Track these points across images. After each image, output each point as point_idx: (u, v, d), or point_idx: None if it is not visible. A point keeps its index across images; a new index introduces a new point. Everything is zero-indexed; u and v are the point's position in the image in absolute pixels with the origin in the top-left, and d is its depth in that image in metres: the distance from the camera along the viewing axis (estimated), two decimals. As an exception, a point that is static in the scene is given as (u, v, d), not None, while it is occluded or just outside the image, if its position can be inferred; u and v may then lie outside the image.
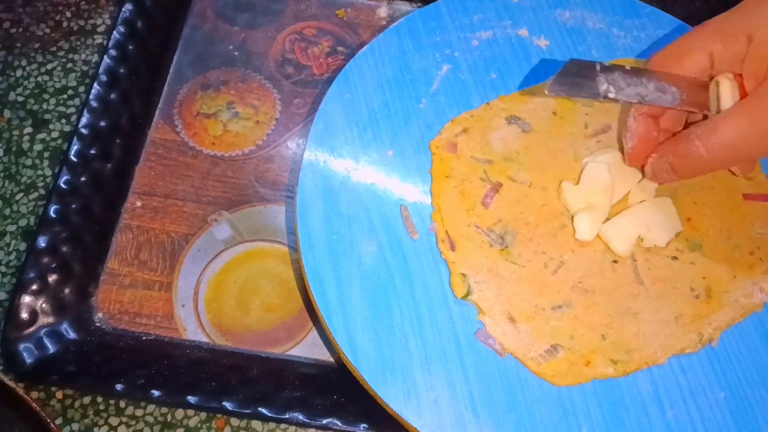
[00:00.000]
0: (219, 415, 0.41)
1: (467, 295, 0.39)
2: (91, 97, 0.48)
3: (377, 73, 0.45)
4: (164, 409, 0.41)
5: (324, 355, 0.43)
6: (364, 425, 0.39)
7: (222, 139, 0.49)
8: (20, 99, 0.50)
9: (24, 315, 0.42)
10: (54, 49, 0.52)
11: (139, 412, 0.41)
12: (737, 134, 0.34)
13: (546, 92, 0.36)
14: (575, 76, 0.36)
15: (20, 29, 0.53)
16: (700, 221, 0.41)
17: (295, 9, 0.54)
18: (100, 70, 0.49)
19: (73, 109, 0.50)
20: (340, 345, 0.37)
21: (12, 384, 0.37)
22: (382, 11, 0.54)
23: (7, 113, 0.50)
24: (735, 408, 0.37)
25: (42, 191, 0.47)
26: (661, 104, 0.37)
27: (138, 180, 0.48)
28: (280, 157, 0.49)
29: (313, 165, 0.42)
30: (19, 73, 0.51)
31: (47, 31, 0.53)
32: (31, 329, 0.41)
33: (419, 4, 0.54)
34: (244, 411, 0.39)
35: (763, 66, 0.34)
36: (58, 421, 0.41)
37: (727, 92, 0.36)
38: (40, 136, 0.49)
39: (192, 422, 0.41)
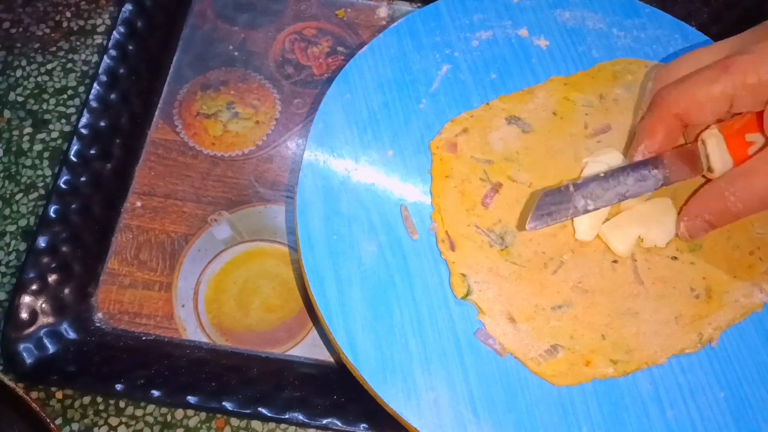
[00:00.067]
0: (219, 415, 0.41)
1: (467, 295, 0.39)
2: (91, 97, 0.48)
3: (377, 73, 0.45)
4: (164, 409, 0.41)
5: (324, 355, 0.43)
6: (364, 425, 0.39)
7: (222, 140, 0.49)
8: (20, 99, 0.50)
9: (24, 315, 0.42)
10: (54, 49, 0.52)
11: (139, 412, 0.41)
12: None
13: (527, 230, 0.37)
14: (551, 206, 0.37)
15: (20, 29, 0.53)
16: (700, 221, 0.41)
17: (295, 9, 0.54)
18: (100, 70, 0.49)
19: (73, 109, 0.50)
20: (340, 345, 0.37)
21: (12, 384, 0.37)
22: (382, 11, 0.54)
23: (7, 113, 0.50)
24: (735, 408, 0.37)
25: (42, 191, 0.47)
26: (645, 192, 0.38)
27: (138, 180, 0.48)
28: (280, 157, 0.49)
29: (313, 165, 0.42)
30: (19, 73, 0.51)
31: (47, 31, 0.53)
32: (31, 329, 0.41)
33: (419, 4, 0.54)
34: (244, 411, 0.39)
35: None
36: (58, 421, 0.41)
37: (714, 149, 0.38)
38: (40, 136, 0.49)
39: (192, 422, 0.41)
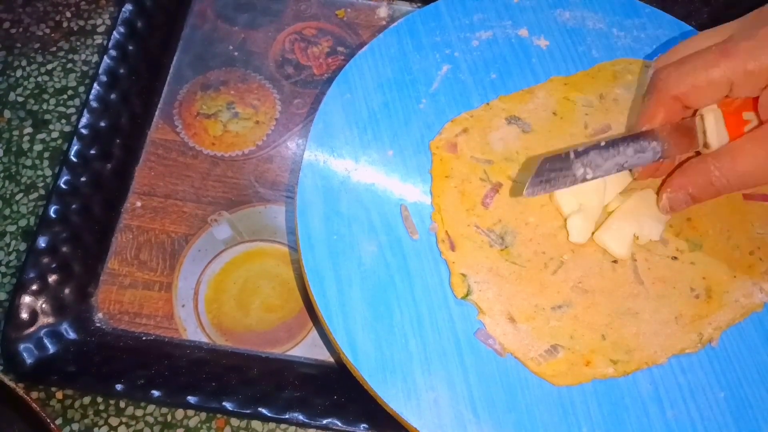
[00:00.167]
0: (219, 415, 0.41)
1: (467, 295, 0.39)
2: (91, 97, 0.48)
3: (377, 73, 0.45)
4: (164, 410, 0.41)
5: (324, 355, 0.43)
6: (364, 425, 0.39)
7: (222, 140, 0.49)
8: (20, 99, 0.50)
9: (24, 315, 0.42)
10: (54, 49, 0.52)
11: (139, 413, 0.41)
12: (757, 162, 0.36)
13: (525, 195, 0.36)
14: (550, 172, 0.37)
15: (20, 29, 0.53)
16: (700, 221, 0.41)
17: (295, 9, 0.54)
18: (100, 70, 0.49)
19: (73, 110, 0.50)
20: (340, 345, 0.37)
21: (12, 384, 0.37)
22: (382, 11, 0.54)
23: (7, 113, 0.50)
24: (735, 408, 0.37)
25: (42, 191, 0.47)
26: (642, 164, 0.38)
27: (138, 180, 0.48)
28: (280, 157, 0.49)
29: (313, 165, 0.42)
30: (19, 73, 0.51)
31: (47, 31, 0.53)
32: (31, 329, 0.41)
33: (419, 4, 0.54)
34: (244, 411, 0.39)
35: None
36: (58, 421, 0.41)
37: (711, 125, 0.37)
38: (40, 136, 0.49)
39: (192, 422, 0.41)
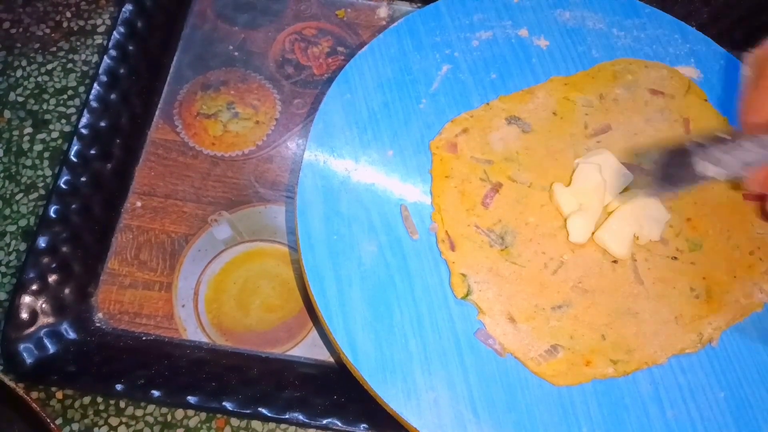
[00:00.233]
0: (219, 415, 0.41)
1: (467, 295, 0.39)
2: (91, 97, 0.48)
3: (377, 73, 0.45)
4: (164, 410, 0.41)
5: (324, 355, 0.43)
6: (364, 425, 0.39)
7: (222, 140, 0.49)
8: (20, 99, 0.50)
9: (24, 315, 0.42)
10: (54, 49, 0.52)
11: (139, 413, 0.41)
12: None
13: (658, 193, 0.34)
14: (672, 167, 0.34)
15: (20, 29, 0.53)
16: (700, 221, 0.41)
17: (295, 9, 0.54)
18: (100, 70, 0.49)
19: (73, 110, 0.50)
20: (340, 345, 0.37)
21: (12, 384, 0.37)
22: (382, 11, 0.54)
23: (7, 113, 0.50)
24: (735, 408, 0.37)
25: (42, 191, 0.47)
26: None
27: (138, 180, 0.48)
28: (280, 158, 0.49)
29: (313, 165, 0.42)
30: (19, 73, 0.51)
31: (47, 31, 0.53)
32: (31, 329, 0.41)
33: (419, 4, 0.54)
34: (244, 411, 0.39)
35: None
36: (58, 421, 0.41)
37: None
38: (40, 136, 0.49)
39: (192, 422, 0.41)
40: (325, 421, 0.39)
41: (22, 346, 0.41)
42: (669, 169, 0.34)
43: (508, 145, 0.43)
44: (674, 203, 0.41)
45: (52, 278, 0.43)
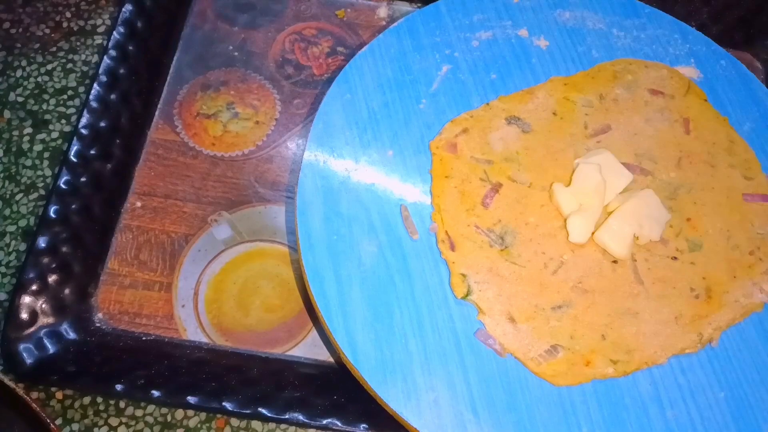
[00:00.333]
0: (219, 416, 0.41)
1: (467, 295, 0.39)
2: (91, 97, 0.48)
3: (377, 73, 0.45)
4: (164, 410, 0.41)
5: (324, 355, 0.43)
6: (364, 425, 0.39)
7: (222, 140, 0.49)
8: (20, 99, 0.50)
9: (24, 315, 0.42)
10: (54, 49, 0.52)
11: (139, 413, 0.41)
12: None
13: None
14: None
15: (20, 29, 0.53)
16: (700, 221, 0.41)
17: (295, 9, 0.54)
18: (100, 70, 0.49)
19: (73, 110, 0.50)
20: (340, 345, 0.37)
21: (12, 384, 0.37)
22: (382, 11, 0.54)
23: (7, 113, 0.50)
24: (735, 408, 0.37)
25: (42, 191, 0.47)
26: None
27: (138, 180, 0.48)
28: (280, 158, 0.49)
29: (313, 165, 0.42)
30: (19, 73, 0.51)
31: (47, 31, 0.53)
32: (31, 329, 0.41)
33: (419, 4, 0.54)
34: (244, 411, 0.39)
35: None
36: (58, 421, 0.41)
37: None
38: (40, 136, 0.49)
39: (192, 422, 0.41)
40: (325, 422, 0.39)
41: (22, 346, 0.41)
42: None
43: (508, 145, 0.43)
44: (674, 203, 0.41)
45: (52, 278, 0.43)
